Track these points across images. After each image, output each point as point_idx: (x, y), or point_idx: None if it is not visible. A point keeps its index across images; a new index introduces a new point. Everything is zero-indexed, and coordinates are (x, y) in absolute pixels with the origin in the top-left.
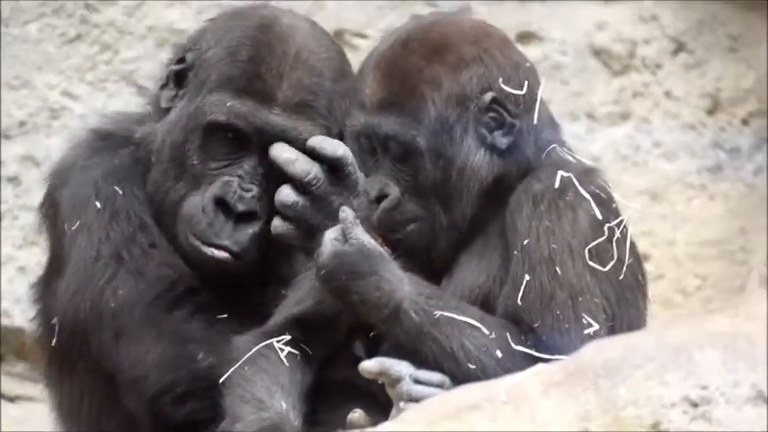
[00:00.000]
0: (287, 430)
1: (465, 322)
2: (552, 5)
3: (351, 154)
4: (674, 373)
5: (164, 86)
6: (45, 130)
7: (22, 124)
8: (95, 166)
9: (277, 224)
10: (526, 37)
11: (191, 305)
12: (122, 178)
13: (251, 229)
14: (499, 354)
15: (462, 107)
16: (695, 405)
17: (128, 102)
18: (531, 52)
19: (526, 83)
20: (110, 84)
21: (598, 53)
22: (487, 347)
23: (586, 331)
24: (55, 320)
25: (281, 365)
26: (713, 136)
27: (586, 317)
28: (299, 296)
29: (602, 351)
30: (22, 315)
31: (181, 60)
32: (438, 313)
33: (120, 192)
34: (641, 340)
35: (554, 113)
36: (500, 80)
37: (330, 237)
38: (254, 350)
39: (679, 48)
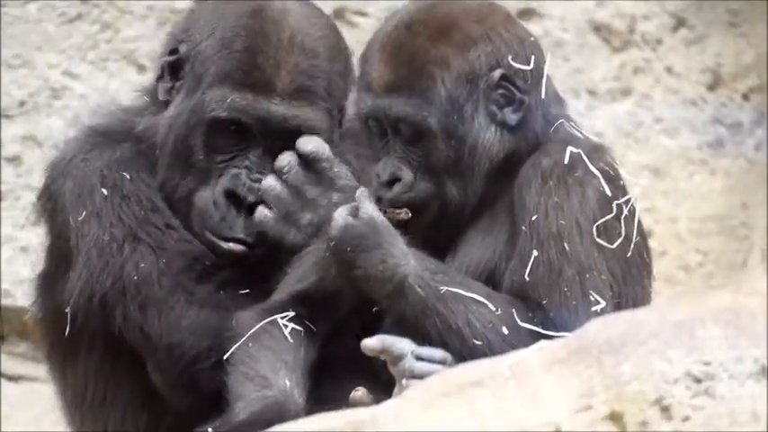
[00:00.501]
0: (291, 408)
1: (471, 298)
2: None
3: (326, 150)
4: (676, 349)
5: (159, 78)
6: (46, 109)
7: (22, 104)
8: (96, 158)
9: (259, 210)
10: (527, 14)
11: (216, 279)
12: (128, 166)
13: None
14: (505, 330)
15: (472, 85)
16: (698, 380)
17: (129, 81)
18: (531, 29)
19: (533, 58)
20: (111, 63)
21: (598, 29)
22: (493, 324)
23: (593, 308)
24: (67, 310)
25: (284, 342)
26: (714, 111)
27: (593, 294)
28: (302, 273)
29: (605, 327)
30: (24, 295)
31: (174, 51)
32: (444, 288)
33: (128, 177)
34: (644, 316)
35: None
36: (508, 57)
37: (342, 211)
38: (257, 326)
39: (679, 23)
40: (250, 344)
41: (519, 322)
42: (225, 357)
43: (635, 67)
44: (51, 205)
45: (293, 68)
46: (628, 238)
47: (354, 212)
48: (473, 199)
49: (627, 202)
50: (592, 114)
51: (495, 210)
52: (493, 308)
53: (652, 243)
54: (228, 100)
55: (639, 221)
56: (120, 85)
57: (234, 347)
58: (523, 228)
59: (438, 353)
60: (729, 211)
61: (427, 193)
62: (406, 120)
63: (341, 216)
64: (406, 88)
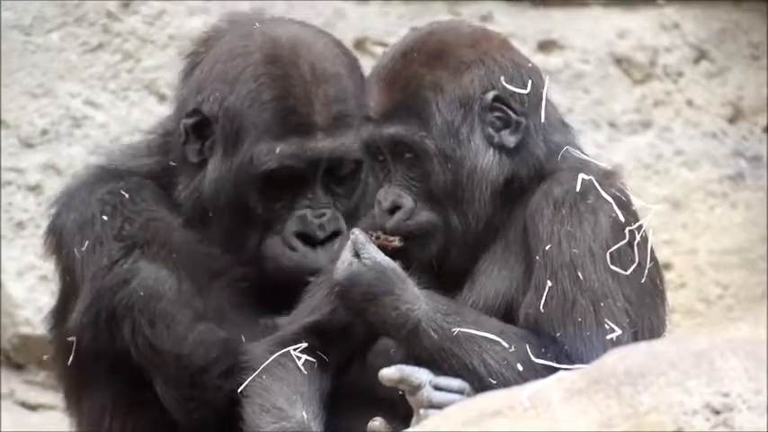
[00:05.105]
0: None
1: (484, 337)
2: (574, 14)
3: None
4: (695, 380)
5: (186, 142)
6: (67, 138)
7: (44, 133)
8: (98, 189)
9: None
10: (548, 45)
11: (223, 295)
12: (130, 191)
13: (337, 244)
14: (520, 367)
15: (466, 108)
16: (717, 412)
17: (149, 110)
18: (552, 61)
19: (530, 82)
20: (132, 92)
21: (619, 61)
22: (508, 361)
23: (609, 336)
24: (71, 339)
25: (299, 374)
26: (735, 144)
27: (609, 322)
28: (314, 304)
29: (624, 358)
30: (44, 324)
31: (194, 112)
32: (456, 330)
33: (128, 197)
34: (663, 347)
35: (576, 122)
36: (502, 79)
37: (344, 255)
38: (270, 359)
39: (701, 56)
40: (264, 376)
41: (533, 358)
42: (239, 390)
43: (656, 100)
44: (56, 240)
45: (324, 99)
46: (641, 265)
47: (356, 256)
48: (476, 225)
49: (639, 227)
50: (612, 146)
51: (508, 239)
52: (506, 345)
53: (671, 275)
54: (277, 151)
55: (652, 248)
56: (141, 114)
57: (248, 380)
58: (537, 258)
59: (456, 382)
60: (749, 243)
61: (428, 221)
62: (403, 141)
63: (344, 260)
64: (402, 112)
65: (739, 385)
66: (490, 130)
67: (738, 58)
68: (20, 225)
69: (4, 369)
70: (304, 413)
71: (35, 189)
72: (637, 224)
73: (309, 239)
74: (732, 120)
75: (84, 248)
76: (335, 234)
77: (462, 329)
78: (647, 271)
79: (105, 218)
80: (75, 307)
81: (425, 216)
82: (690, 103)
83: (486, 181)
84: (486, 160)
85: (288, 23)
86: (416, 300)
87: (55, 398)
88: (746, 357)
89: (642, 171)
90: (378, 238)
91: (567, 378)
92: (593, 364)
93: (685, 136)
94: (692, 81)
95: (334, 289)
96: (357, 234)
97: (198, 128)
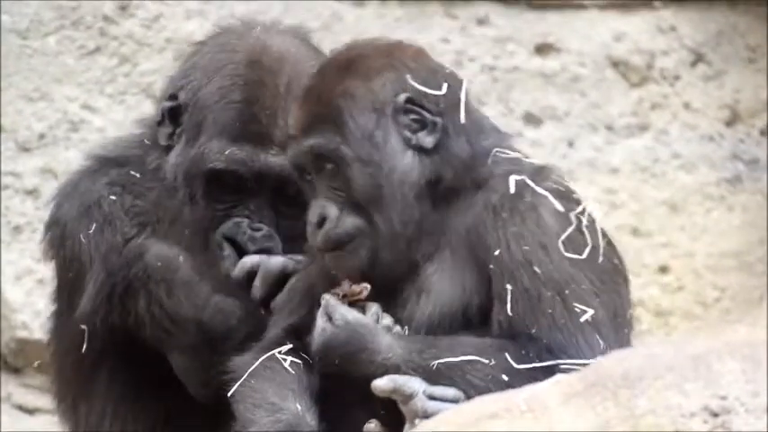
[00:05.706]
0: (304, 430)
1: (463, 361)
2: (570, 17)
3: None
4: (693, 383)
5: (160, 123)
6: (64, 142)
7: (41, 137)
8: (101, 177)
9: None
10: (544, 48)
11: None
12: (140, 170)
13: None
14: (505, 377)
15: (379, 112)
16: (715, 414)
17: (146, 114)
18: (549, 64)
19: (445, 84)
20: (129, 96)
21: (616, 64)
22: (492, 375)
23: (582, 320)
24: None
25: (286, 374)
26: (732, 147)
27: (579, 305)
28: (292, 307)
29: (621, 361)
30: (41, 328)
31: (173, 97)
32: (434, 363)
33: (138, 176)
34: (661, 350)
35: (572, 125)
36: (413, 81)
37: (318, 323)
38: (256, 363)
39: (697, 59)
40: (252, 380)
41: (515, 365)
42: (228, 395)
43: (653, 103)
44: (59, 232)
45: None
46: (595, 247)
47: (329, 320)
48: (404, 228)
49: (582, 212)
50: (609, 149)
51: (453, 247)
52: (486, 361)
53: (669, 278)
54: (227, 152)
55: (603, 230)
56: (139, 117)
57: (236, 386)
58: (491, 266)
59: (451, 391)
60: (747, 246)
61: (355, 226)
62: (319, 151)
63: (318, 326)
64: (317, 124)
65: (737, 388)
66: (406, 133)
67: (735, 61)
68: (17, 229)
69: (2, 373)
70: (298, 406)
71: (32, 193)
72: (580, 208)
73: (238, 246)
74: (729, 123)
75: (90, 231)
76: (264, 251)
77: (440, 360)
78: (602, 250)
79: (114, 197)
80: (83, 296)
81: (351, 222)
82: (687, 105)
83: (408, 183)
84: (404, 162)
85: (289, 37)
86: (389, 348)
87: (52, 401)
88: (744, 360)
89: (639, 174)
90: (344, 296)
91: (564, 381)
92: (591, 366)
93: (682, 139)
94: (689, 84)
95: (315, 357)
96: (327, 299)
97: (173, 113)
